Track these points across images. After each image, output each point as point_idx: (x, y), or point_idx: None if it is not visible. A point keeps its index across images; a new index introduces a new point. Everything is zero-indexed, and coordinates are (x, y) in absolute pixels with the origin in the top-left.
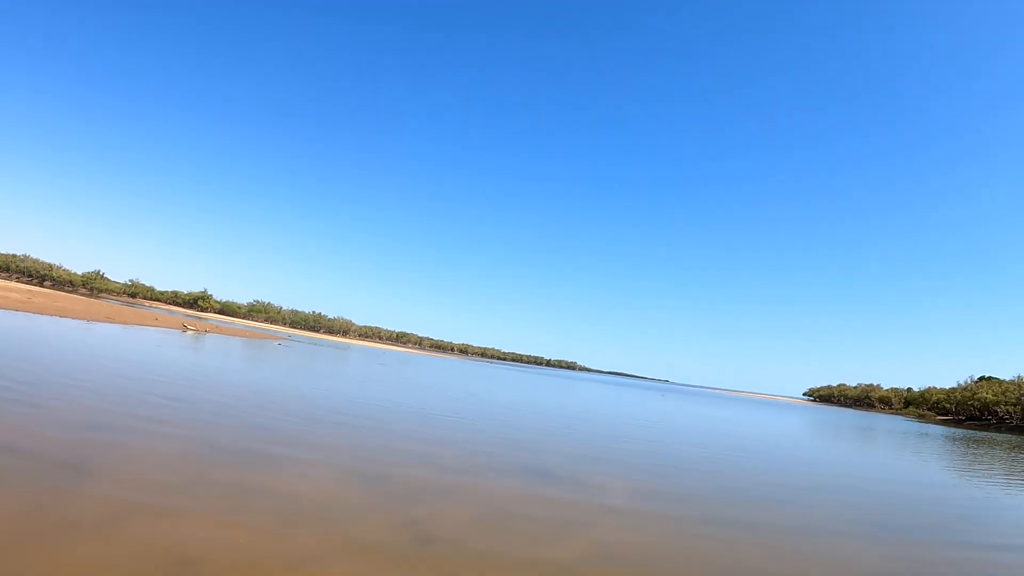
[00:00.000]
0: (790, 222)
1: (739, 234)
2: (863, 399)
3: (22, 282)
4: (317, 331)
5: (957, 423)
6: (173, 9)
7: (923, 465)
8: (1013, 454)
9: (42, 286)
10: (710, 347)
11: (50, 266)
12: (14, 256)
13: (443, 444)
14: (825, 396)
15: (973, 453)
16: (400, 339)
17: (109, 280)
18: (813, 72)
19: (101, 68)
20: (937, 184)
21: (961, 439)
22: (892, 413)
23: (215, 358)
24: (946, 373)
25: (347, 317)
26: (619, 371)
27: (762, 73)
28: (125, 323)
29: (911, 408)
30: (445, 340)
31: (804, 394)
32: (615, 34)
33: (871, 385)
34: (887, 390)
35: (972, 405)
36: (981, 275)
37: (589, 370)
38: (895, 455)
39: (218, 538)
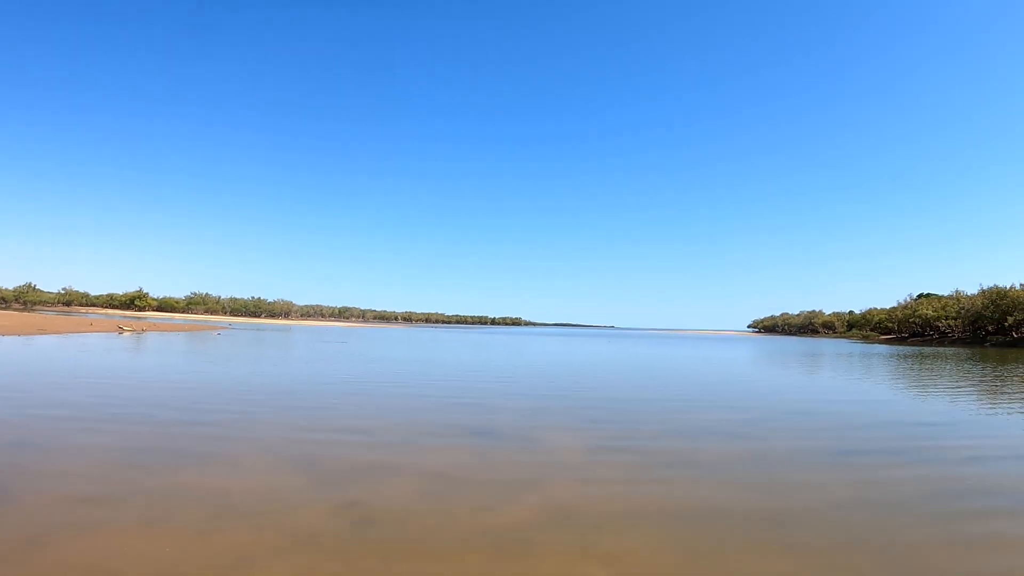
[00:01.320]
0: (723, 156)
1: (673, 174)
2: (807, 326)
3: None
4: (258, 316)
5: (900, 341)
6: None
7: (874, 384)
8: (964, 366)
9: None
10: (653, 290)
11: None
12: None
13: (383, 416)
14: (769, 327)
15: (925, 368)
16: (343, 314)
17: (42, 291)
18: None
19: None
20: (865, 105)
21: (908, 356)
22: (836, 337)
23: (149, 356)
24: (886, 294)
25: (287, 299)
26: (565, 322)
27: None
28: (58, 332)
29: (854, 331)
30: (388, 310)
31: (748, 326)
32: None
33: (814, 311)
34: (829, 315)
35: (914, 322)
36: (912, 193)
37: (535, 324)
38: (845, 377)
39: (143, 549)
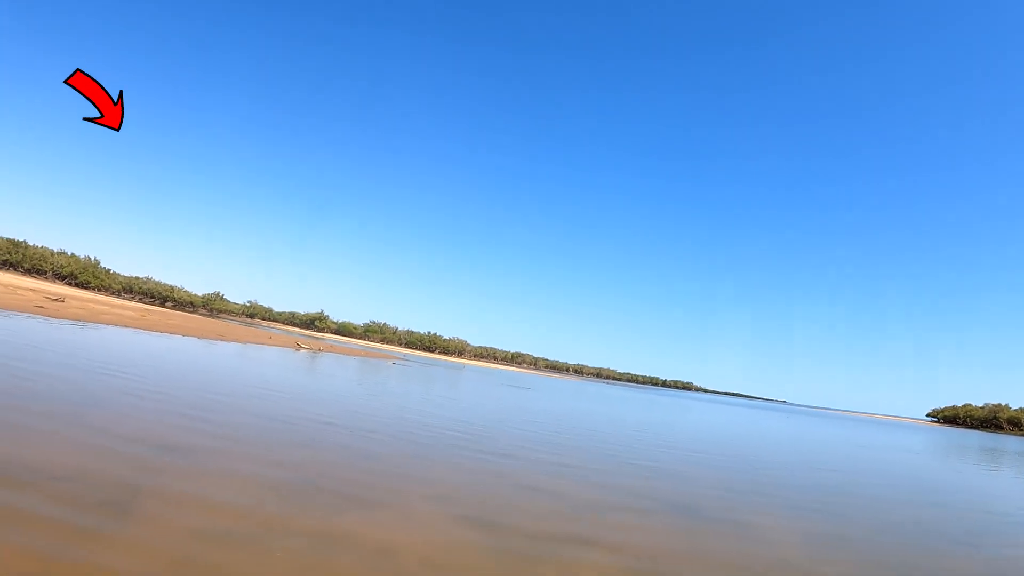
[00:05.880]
0: (907, 243)
1: (851, 250)
2: (990, 420)
3: (145, 303)
4: (432, 351)
5: None
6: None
7: None
8: None
9: (164, 307)
10: (825, 367)
11: (171, 288)
12: (137, 279)
13: (570, 476)
14: (950, 417)
15: None
16: (515, 360)
17: (228, 301)
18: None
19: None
20: None
21: None
22: (1022, 435)
23: (325, 376)
24: None
25: (462, 337)
26: (734, 391)
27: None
28: (238, 340)
29: None
30: (560, 360)
31: (927, 415)
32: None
33: (999, 405)
34: (1016, 410)
35: None
36: None
37: (705, 390)
38: None
39: None
